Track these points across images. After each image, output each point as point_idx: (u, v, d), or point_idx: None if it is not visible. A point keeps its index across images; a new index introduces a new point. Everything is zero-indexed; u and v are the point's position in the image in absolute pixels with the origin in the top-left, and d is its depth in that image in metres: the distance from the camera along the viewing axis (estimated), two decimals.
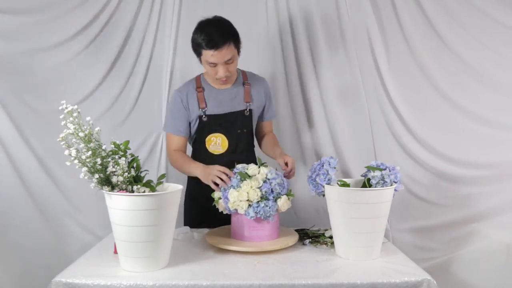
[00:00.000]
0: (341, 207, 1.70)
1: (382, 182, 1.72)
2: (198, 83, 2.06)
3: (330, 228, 1.84)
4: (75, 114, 1.53)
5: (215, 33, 1.86)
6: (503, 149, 2.48)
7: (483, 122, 2.50)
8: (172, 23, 2.51)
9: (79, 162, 1.51)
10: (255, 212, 1.77)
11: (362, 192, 1.68)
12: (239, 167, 1.90)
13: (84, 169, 1.53)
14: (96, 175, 1.54)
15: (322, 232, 2.04)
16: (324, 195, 1.79)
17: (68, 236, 2.47)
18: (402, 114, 2.54)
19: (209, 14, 2.53)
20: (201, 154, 2.09)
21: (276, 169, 1.90)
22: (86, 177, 1.55)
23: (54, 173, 2.44)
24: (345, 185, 1.78)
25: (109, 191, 1.55)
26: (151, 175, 1.74)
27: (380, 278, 1.52)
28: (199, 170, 1.94)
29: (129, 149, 1.62)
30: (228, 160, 2.03)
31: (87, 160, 1.51)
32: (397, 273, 1.56)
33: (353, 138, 2.57)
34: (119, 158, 1.57)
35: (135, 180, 1.62)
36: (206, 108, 2.02)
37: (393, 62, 2.55)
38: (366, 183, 1.78)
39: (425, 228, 2.56)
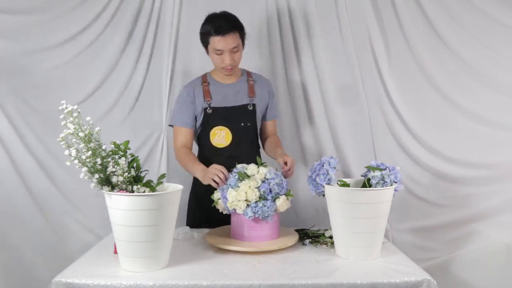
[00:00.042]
0: (341, 207, 1.70)
1: (382, 182, 1.72)
2: (204, 79, 2.15)
3: (330, 228, 1.84)
4: (75, 114, 1.53)
5: (223, 21, 2.01)
6: (503, 149, 2.48)
7: (483, 122, 2.50)
8: (172, 23, 2.51)
9: (79, 162, 1.51)
10: (253, 212, 1.77)
11: (362, 192, 1.68)
12: (239, 167, 1.90)
13: (84, 169, 1.54)
14: (96, 175, 1.54)
15: (322, 232, 2.04)
16: (324, 195, 1.79)
17: (69, 236, 2.47)
18: (402, 114, 2.54)
19: (209, 13, 2.55)
20: (206, 148, 2.14)
21: (276, 169, 1.90)
22: (86, 177, 1.55)
23: (54, 173, 2.44)
24: (345, 185, 1.78)
25: (109, 191, 1.55)
26: (151, 175, 1.74)
27: (380, 278, 1.52)
28: (199, 172, 1.97)
29: (129, 149, 1.62)
30: (231, 153, 2.08)
31: (87, 160, 1.51)
32: (397, 273, 1.56)
33: (353, 138, 2.57)
34: (119, 158, 1.57)
35: (135, 180, 1.62)
36: (211, 101, 2.10)
37: (393, 62, 2.55)
38: (366, 183, 1.78)
39: (425, 228, 2.55)
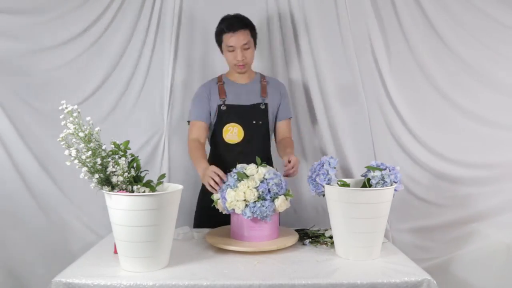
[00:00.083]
0: (341, 207, 1.70)
1: (382, 182, 1.72)
2: (220, 79, 2.27)
3: (330, 228, 1.84)
4: (75, 114, 1.53)
5: (234, 20, 2.15)
6: (503, 149, 2.48)
7: (483, 122, 2.49)
8: (173, 23, 2.51)
9: (79, 162, 1.52)
10: (252, 212, 1.77)
11: (362, 192, 1.69)
12: (238, 167, 1.90)
13: (84, 169, 1.54)
14: (96, 175, 1.54)
15: (322, 232, 2.04)
16: (324, 195, 1.79)
17: (70, 236, 2.46)
18: (402, 114, 2.54)
19: (209, 15, 2.55)
20: (218, 145, 2.21)
21: (277, 169, 1.90)
22: (86, 177, 1.55)
23: (55, 173, 2.43)
24: (345, 185, 1.78)
25: (109, 191, 1.55)
26: (153, 175, 1.74)
27: (380, 278, 1.52)
28: (201, 170, 1.99)
29: (129, 149, 1.62)
30: (243, 150, 2.15)
31: (87, 160, 1.51)
32: (397, 273, 1.56)
33: (353, 138, 2.57)
34: (119, 158, 1.57)
35: (135, 180, 1.62)
36: (225, 98, 2.20)
37: (393, 62, 2.54)
38: (366, 183, 1.78)
39: (425, 228, 2.55)
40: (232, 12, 2.48)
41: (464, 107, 2.51)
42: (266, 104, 2.23)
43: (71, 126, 1.52)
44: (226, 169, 1.93)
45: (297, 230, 2.05)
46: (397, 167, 1.77)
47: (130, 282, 1.48)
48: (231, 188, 1.82)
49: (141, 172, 1.65)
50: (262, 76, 2.30)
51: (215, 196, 1.91)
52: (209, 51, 2.57)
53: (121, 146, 1.61)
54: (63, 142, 1.52)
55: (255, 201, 1.78)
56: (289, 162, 1.99)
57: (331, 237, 1.89)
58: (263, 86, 2.25)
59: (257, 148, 2.20)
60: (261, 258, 1.71)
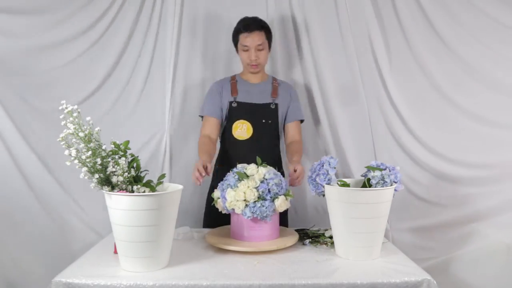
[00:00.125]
0: (341, 207, 1.70)
1: (382, 182, 1.72)
2: (233, 77, 2.34)
3: (330, 228, 1.84)
4: (75, 114, 1.53)
5: (251, 21, 2.24)
6: (503, 149, 2.48)
7: (483, 122, 2.49)
8: (173, 23, 2.51)
9: (79, 162, 1.51)
10: (252, 212, 1.77)
11: (362, 192, 1.69)
12: (239, 166, 1.91)
13: (84, 169, 1.54)
14: (96, 175, 1.54)
15: (322, 232, 2.04)
16: (324, 195, 1.79)
17: (72, 235, 2.46)
18: (402, 114, 2.54)
19: (209, 15, 2.55)
20: (228, 141, 2.28)
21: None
22: (86, 177, 1.55)
23: (57, 172, 2.43)
24: (345, 185, 1.78)
25: (109, 191, 1.55)
26: (154, 175, 1.74)
27: (380, 278, 1.52)
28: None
29: (129, 149, 1.62)
30: (251, 147, 2.20)
31: (87, 160, 1.51)
32: (397, 273, 1.56)
33: (353, 138, 2.57)
34: (119, 158, 1.57)
35: (135, 180, 1.62)
36: (237, 96, 2.27)
37: (393, 62, 2.54)
38: (366, 183, 1.78)
39: (425, 228, 2.55)
40: (232, 12, 2.50)
41: (464, 107, 2.51)
42: (276, 104, 2.28)
43: (71, 126, 1.52)
44: (234, 165, 1.97)
45: (297, 230, 2.05)
46: (397, 167, 1.77)
47: (130, 282, 1.48)
48: (231, 188, 1.82)
49: (141, 172, 1.65)
50: (274, 79, 2.37)
51: (215, 195, 1.91)
52: (210, 50, 2.57)
53: (121, 146, 1.60)
54: (63, 142, 1.52)
55: (255, 201, 1.78)
56: (295, 171, 2.02)
57: (331, 237, 1.89)
58: (274, 87, 2.31)
59: (266, 146, 2.25)
60: (261, 258, 1.71)
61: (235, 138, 2.25)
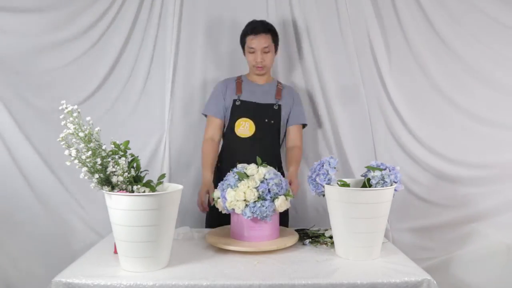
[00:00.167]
0: (341, 207, 1.70)
1: (382, 182, 1.72)
2: (239, 77, 2.39)
3: (330, 228, 1.84)
4: (75, 114, 1.53)
5: (258, 23, 2.28)
6: (503, 149, 2.48)
7: (483, 122, 2.49)
8: (173, 23, 2.51)
9: (79, 162, 1.51)
10: (252, 212, 1.77)
11: (362, 192, 1.68)
12: (239, 166, 1.90)
13: (84, 169, 1.54)
14: (96, 175, 1.54)
15: (322, 232, 2.04)
16: (324, 195, 1.79)
17: (73, 235, 2.46)
18: (402, 114, 2.54)
19: (209, 14, 2.55)
20: (230, 138, 2.31)
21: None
22: (86, 177, 1.55)
23: (59, 172, 2.42)
24: (345, 185, 1.78)
25: (109, 191, 1.55)
26: (154, 175, 1.74)
27: (380, 278, 1.52)
28: (202, 179, 2.24)
29: (129, 149, 1.62)
30: (253, 146, 2.23)
31: (87, 160, 1.51)
32: (397, 273, 1.56)
33: (354, 138, 2.57)
34: (119, 158, 1.57)
35: (135, 180, 1.62)
36: (241, 94, 2.31)
37: (393, 62, 2.54)
38: (366, 183, 1.78)
39: (425, 228, 2.55)
40: (232, 12, 2.50)
41: (464, 107, 2.51)
42: (279, 106, 2.32)
43: (71, 126, 1.52)
44: (235, 162, 2.00)
45: (297, 230, 2.05)
46: (397, 167, 1.77)
47: (130, 282, 1.48)
48: (231, 187, 1.82)
49: (141, 172, 1.65)
50: (279, 82, 2.41)
51: (215, 195, 1.91)
52: (210, 50, 2.57)
53: (121, 146, 1.60)
54: (63, 142, 1.52)
55: (255, 201, 1.78)
56: (290, 184, 2.07)
57: (331, 237, 1.89)
58: (278, 89, 2.36)
59: (267, 146, 2.28)
60: (261, 258, 1.71)
61: (238, 136, 2.27)
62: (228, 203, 1.80)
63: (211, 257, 1.74)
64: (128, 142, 1.63)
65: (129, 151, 1.62)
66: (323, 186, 1.77)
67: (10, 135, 2.36)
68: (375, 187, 1.72)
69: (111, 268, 1.61)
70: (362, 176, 1.85)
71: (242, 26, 2.35)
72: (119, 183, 1.56)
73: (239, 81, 2.36)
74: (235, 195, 1.78)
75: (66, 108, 1.53)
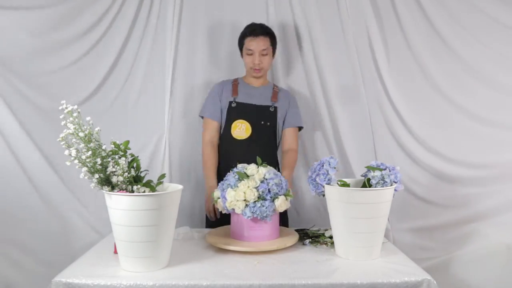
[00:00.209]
0: (341, 207, 1.70)
1: (382, 182, 1.72)
2: (235, 80, 2.40)
3: (330, 228, 1.84)
4: (75, 114, 1.53)
5: (257, 26, 2.30)
6: (503, 149, 2.48)
7: (483, 122, 2.49)
8: (173, 23, 2.51)
9: (79, 162, 1.51)
10: (252, 212, 1.77)
11: (362, 192, 1.68)
12: (239, 166, 1.90)
13: (84, 169, 1.54)
14: (96, 175, 1.54)
15: (322, 232, 2.04)
16: (324, 195, 1.79)
17: (74, 235, 2.46)
18: (402, 114, 2.54)
19: (209, 14, 2.55)
20: (227, 140, 2.31)
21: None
22: (86, 177, 1.55)
23: (62, 171, 2.42)
24: (345, 185, 1.78)
25: (109, 191, 1.55)
26: (154, 175, 1.74)
27: (380, 278, 1.52)
28: (207, 188, 2.26)
29: (129, 149, 1.62)
30: (249, 147, 2.23)
31: (87, 160, 1.51)
32: (397, 273, 1.56)
33: (354, 138, 2.57)
34: (119, 158, 1.57)
35: (135, 180, 1.62)
36: (237, 96, 2.31)
37: (393, 62, 2.54)
38: (366, 183, 1.78)
39: (425, 228, 2.55)
40: (233, 12, 2.49)
41: (464, 107, 2.51)
42: (275, 108, 2.32)
43: (71, 126, 1.52)
44: (232, 164, 1.99)
45: (297, 230, 2.05)
46: (397, 167, 1.77)
47: (130, 282, 1.48)
48: (231, 187, 1.82)
49: (141, 172, 1.65)
50: (275, 85, 2.43)
51: (216, 195, 1.91)
52: (209, 50, 2.57)
53: (121, 146, 1.60)
54: (63, 142, 1.52)
55: (255, 201, 1.78)
56: None
57: (331, 237, 1.89)
58: (274, 92, 2.36)
59: (263, 147, 2.28)
60: (261, 258, 1.71)
61: (234, 138, 2.28)
62: (228, 203, 1.80)
63: (211, 257, 1.74)
64: (128, 142, 1.63)
65: (129, 151, 1.62)
66: (323, 186, 1.77)
67: (13, 134, 2.36)
68: (375, 187, 1.72)
69: (111, 268, 1.61)
70: (362, 176, 1.85)
71: (242, 26, 2.35)
72: (119, 183, 1.56)
73: (235, 83, 2.36)
74: (235, 195, 1.78)
75: (66, 108, 1.53)
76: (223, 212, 1.90)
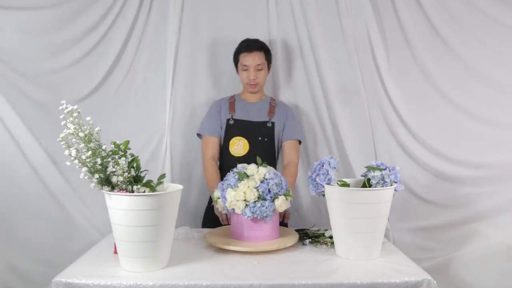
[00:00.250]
0: (341, 207, 1.70)
1: (382, 182, 1.72)
2: (232, 97, 2.42)
3: (330, 228, 1.84)
4: (75, 114, 1.53)
5: (252, 41, 2.32)
6: (503, 149, 2.47)
7: (483, 122, 2.49)
8: (174, 23, 2.51)
9: (79, 162, 1.52)
10: (252, 212, 1.77)
11: (362, 192, 1.68)
12: (239, 166, 1.90)
13: (84, 169, 1.54)
14: (96, 175, 1.54)
15: (322, 232, 2.04)
16: (324, 195, 1.79)
17: (76, 234, 2.45)
18: (402, 114, 2.54)
19: (209, 14, 2.55)
20: (226, 157, 2.32)
21: None
22: (86, 177, 1.55)
23: (65, 171, 2.42)
24: (345, 185, 1.78)
25: (109, 191, 1.55)
26: (154, 175, 1.74)
27: (380, 278, 1.52)
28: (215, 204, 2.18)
29: (129, 149, 1.62)
30: (247, 163, 2.13)
31: (87, 160, 1.51)
32: (397, 273, 1.56)
33: (354, 138, 2.57)
34: (119, 158, 1.57)
35: (135, 180, 1.62)
36: (234, 113, 2.33)
37: (393, 62, 2.54)
38: (366, 183, 1.78)
39: (425, 228, 2.55)
40: (233, 12, 2.48)
41: (464, 107, 2.50)
42: (273, 123, 2.33)
43: (71, 126, 1.52)
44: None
45: (297, 230, 2.05)
46: (397, 167, 1.77)
47: (130, 282, 1.48)
48: (231, 187, 1.82)
49: (141, 172, 1.65)
50: (273, 99, 2.43)
51: (215, 195, 1.91)
52: (210, 50, 2.57)
53: (121, 146, 1.60)
54: (63, 142, 1.52)
55: (255, 201, 1.78)
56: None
57: (331, 237, 1.89)
58: (271, 107, 2.37)
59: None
60: (261, 258, 1.71)
61: (232, 155, 2.29)
62: (228, 203, 1.80)
63: (211, 257, 1.74)
64: (128, 142, 1.63)
65: (129, 151, 1.62)
66: (323, 186, 1.77)
67: (15, 133, 2.36)
68: (375, 187, 1.72)
69: (111, 268, 1.61)
70: (362, 176, 1.85)
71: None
72: (119, 183, 1.56)
73: (232, 100, 2.38)
74: (235, 195, 1.78)
75: (66, 108, 1.53)
76: (223, 212, 1.90)
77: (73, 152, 1.50)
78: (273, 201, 1.81)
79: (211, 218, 2.26)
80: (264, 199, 1.79)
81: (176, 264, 1.65)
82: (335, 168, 1.76)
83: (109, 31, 2.47)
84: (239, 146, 2.28)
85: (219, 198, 1.89)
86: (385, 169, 1.74)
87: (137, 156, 1.64)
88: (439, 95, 2.52)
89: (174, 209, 1.63)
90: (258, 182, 1.80)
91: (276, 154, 2.37)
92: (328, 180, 1.75)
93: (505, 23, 2.46)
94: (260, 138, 2.30)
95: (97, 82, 2.48)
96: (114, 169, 1.55)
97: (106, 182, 1.56)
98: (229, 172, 2.06)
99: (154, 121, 2.55)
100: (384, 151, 2.57)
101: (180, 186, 1.68)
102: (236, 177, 1.83)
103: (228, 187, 1.83)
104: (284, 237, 1.88)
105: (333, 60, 2.55)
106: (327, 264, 1.67)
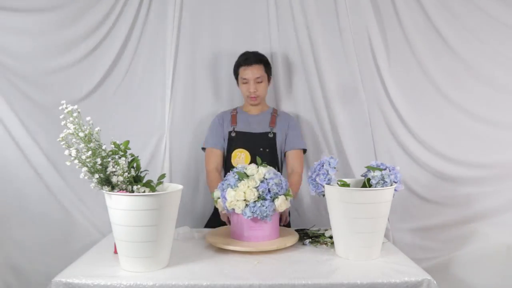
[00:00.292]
0: (341, 207, 1.70)
1: (382, 182, 1.72)
2: (234, 110, 2.44)
3: (330, 228, 1.84)
4: (75, 114, 1.53)
5: (250, 55, 2.34)
6: (503, 149, 2.47)
7: (483, 122, 2.49)
8: (173, 23, 2.51)
9: (79, 162, 1.52)
10: (252, 212, 1.77)
11: (362, 192, 1.68)
12: (239, 166, 1.90)
13: (84, 169, 1.54)
14: (96, 175, 1.54)
15: (322, 232, 2.04)
16: (324, 195, 1.79)
17: (76, 234, 2.45)
18: (402, 114, 2.53)
19: (209, 14, 2.54)
20: (228, 169, 2.25)
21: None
22: (86, 177, 1.55)
23: (63, 170, 2.42)
24: (345, 185, 1.78)
25: (109, 191, 1.55)
26: (154, 175, 1.74)
27: (380, 278, 1.52)
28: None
29: (129, 149, 1.62)
30: None
31: (87, 160, 1.51)
32: (397, 273, 1.56)
33: (354, 138, 2.56)
34: (119, 158, 1.57)
35: (135, 180, 1.62)
36: (235, 126, 2.35)
37: (393, 62, 2.54)
38: (366, 183, 1.78)
39: (425, 228, 2.55)
40: (233, 13, 2.48)
41: (464, 107, 2.50)
42: (274, 134, 2.34)
43: (71, 126, 1.52)
44: None
45: (297, 230, 2.05)
46: (397, 167, 1.77)
47: (130, 282, 1.48)
48: (231, 187, 1.82)
49: (141, 172, 1.65)
50: (275, 110, 2.44)
51: (216, 195, 1.91)
52: (210, 51, 2.57)
53: (121, 146, 1.60)
54: (63, 142, 1.52)
55: (255, 201, 1.78)
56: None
57: (331, 237, 1.89)
58: (273, 117, 2.39)
59: None
60: (261, 258, 1.71)
61: (234, 167, 2.25)
62: (228, 203, 1.80)
63: (211, 257, 1.74)
64: (128, 142, 1.63)
65: (129, 151, 1.62)
66: (323, 186, 1.77)
67: (15, 134, 2.36)
68: (375, 187, 1.72)
69: (111, 268, 1.61)
70: (362, 176, 1.84)
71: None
72: (119, 183, 1.56)
73: (234, 113, 2.40)
74: (235, 195, 1.78)
75: (66, 108, 1.53)
76: (223, 212, 1.90)
77: (73, 152, 1.50)
78: (273, 201, 1.81)
79: (215, 219, 2.26)
80: (264, 199, 1.79)
81: (176, 264, 1.65)
82: (335, 168, 1.76)
83: (109, 32, 2.47)
84: (240, 158, 2.29)
85: (219, 198, 1.89)
86: (385, 169, 1.74)
87: (137, 156, 1.64)
88: (440, 95, 2.52)
89: (174, 209, 1.63)
90: (258, 182, 1.80)
91: (280, 164, 2.38)
92: (328, 180, 1.75)
93: (506, 23, 2.46)
94: (261, 149, 2.30)
95: (97, 82, 2.48)
96: (114, 169, 1.55)
97: (106, 182, 1.56)
98: None
99: (154, 121, 2.55)
100: (384, 151, 2.57)
101: (180, 186, 1.68)
102: (236, 177, 1.83)
103: (228, 187, 1.83)
104: (284, 237, 1.89)
105: (333, 59, 2.54)
106: (327, 264, 1.67)
